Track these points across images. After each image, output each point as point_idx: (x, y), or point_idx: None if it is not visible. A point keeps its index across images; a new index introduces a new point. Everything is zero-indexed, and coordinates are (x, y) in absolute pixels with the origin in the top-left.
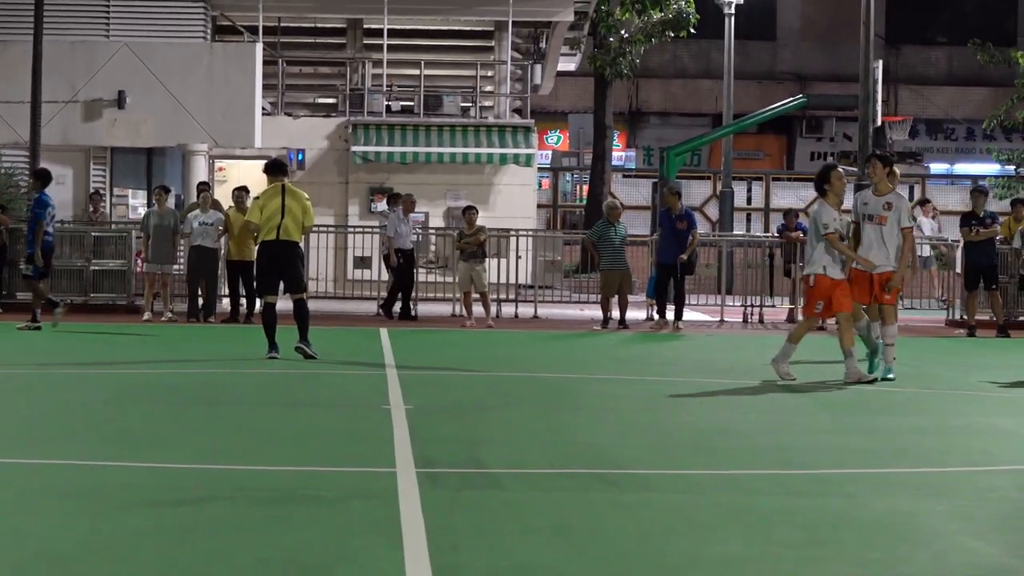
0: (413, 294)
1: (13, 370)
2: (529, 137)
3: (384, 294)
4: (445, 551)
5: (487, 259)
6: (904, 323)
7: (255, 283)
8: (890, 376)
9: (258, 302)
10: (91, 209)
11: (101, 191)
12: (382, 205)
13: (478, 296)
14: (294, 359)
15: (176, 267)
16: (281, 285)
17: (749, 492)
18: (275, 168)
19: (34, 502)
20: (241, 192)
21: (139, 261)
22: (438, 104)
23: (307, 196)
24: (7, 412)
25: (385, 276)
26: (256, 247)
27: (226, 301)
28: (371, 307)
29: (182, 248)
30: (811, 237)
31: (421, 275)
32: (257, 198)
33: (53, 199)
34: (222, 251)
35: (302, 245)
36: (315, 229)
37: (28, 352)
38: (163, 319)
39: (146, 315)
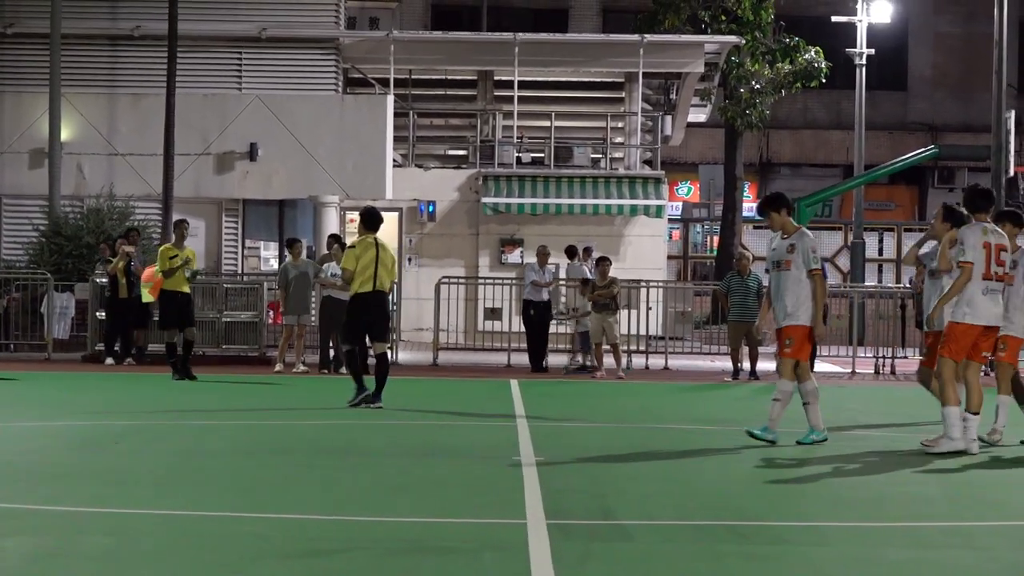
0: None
1: (147, 421)
2: (659, 188)
3: (519, 346)
4: None
5: (619, 311)
6: None
7: (342, 331)
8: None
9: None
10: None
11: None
12: (513, 256)
13: (609, 347)
14: (422, 411)
15: (311, 318)
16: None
17: (879, 544)
18: (372, 220)
19: (169, 553)
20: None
21: (271, 312)
22: (568, 155)
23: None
24: (141, 462)
25: (517, 328)
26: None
27: None
28: (502, 358)
29: (313, 299)
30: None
31: (552, 326)
32: (352, 247)
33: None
34: None
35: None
36: (446, 280)
37: (161, 403)
38: (295, 371)
39: (278, 367)
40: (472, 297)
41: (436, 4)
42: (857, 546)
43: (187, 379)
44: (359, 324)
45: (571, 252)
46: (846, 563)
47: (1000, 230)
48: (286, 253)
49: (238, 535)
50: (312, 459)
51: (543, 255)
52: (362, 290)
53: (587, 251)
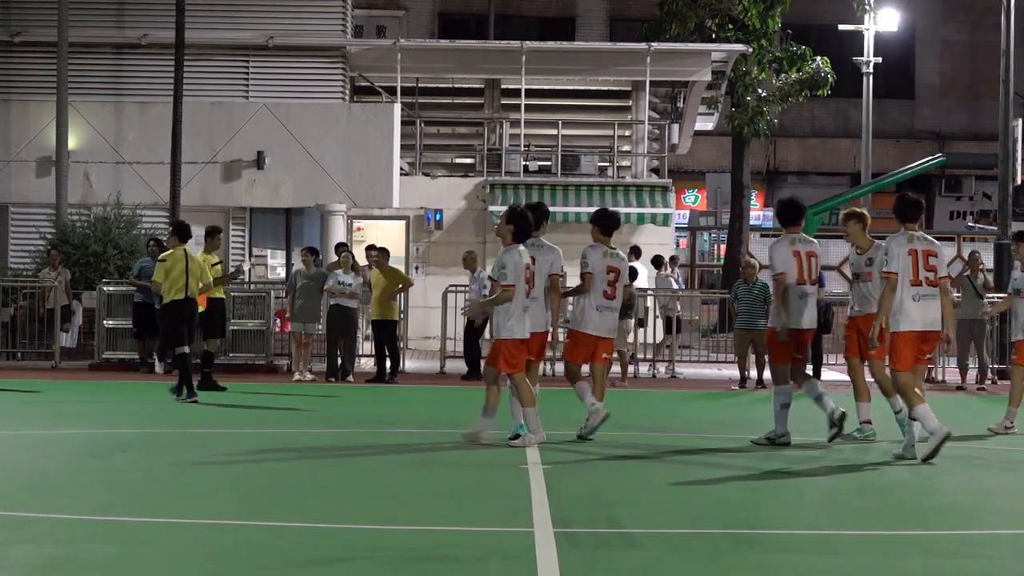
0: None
1: (152, 429)
2: (667, 196)
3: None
4: None
5: (630, 319)
6: None
7: (168, 338)
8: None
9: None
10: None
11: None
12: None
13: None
14: (428, 419)
15: (318, 327)
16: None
17: (888, 553)
18: (183, 232)
19: (175, 561)
20: (381, 253)
21: (278, 321)
22: (575, 164)
23: (204, 258)
24: (147, 471)
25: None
26: (163, 305)
27: (365, 361)
28: None
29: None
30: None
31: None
32: (163, 260)
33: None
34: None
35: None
36: (453, 288)
37: (167, 411)
38: (302, 378)
39: (297, 375)
40: None
41: (443, 12)
42: (866, 555)
43: (215, 391)
44: (180, 329)
45: (658, 262)
46: (855, 572)
47: (929, 237)
48: (292, 260)
49: (243, 543)
50: (316, 467)
51: (466, 260)
52: (176, 298)
53: (673, 260)
